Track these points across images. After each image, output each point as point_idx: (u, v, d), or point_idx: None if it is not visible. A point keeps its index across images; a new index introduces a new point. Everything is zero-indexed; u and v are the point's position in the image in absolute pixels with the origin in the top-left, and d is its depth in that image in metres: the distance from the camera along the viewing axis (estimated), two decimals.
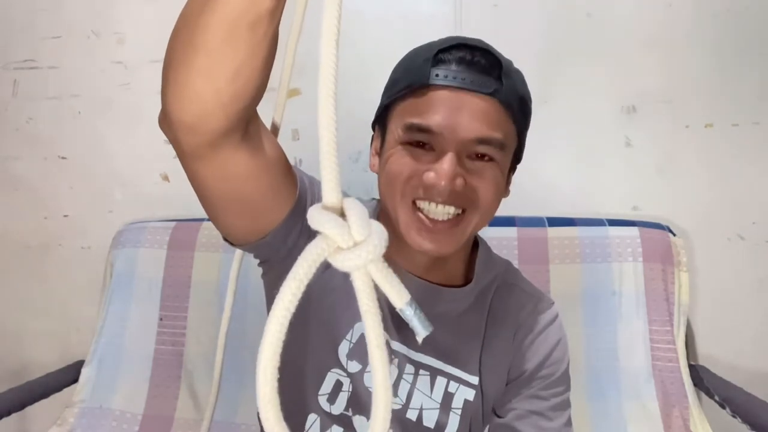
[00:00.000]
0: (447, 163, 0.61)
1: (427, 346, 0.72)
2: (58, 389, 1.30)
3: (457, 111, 0.62)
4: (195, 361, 1.33)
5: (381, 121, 0.71)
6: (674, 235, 1.34)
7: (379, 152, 0.71)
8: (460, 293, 0.74)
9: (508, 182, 0.73)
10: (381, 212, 0.74)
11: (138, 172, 1.54)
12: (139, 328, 1.36)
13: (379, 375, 0.36)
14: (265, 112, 1.63)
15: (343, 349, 0.70)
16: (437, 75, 0.63)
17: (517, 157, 0.73)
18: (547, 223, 1.35)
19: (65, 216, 1.57)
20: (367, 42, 1.42)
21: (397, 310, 0.37)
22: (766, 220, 1.40)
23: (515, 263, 1.28)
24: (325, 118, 0.35)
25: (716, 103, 1.39)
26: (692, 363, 1.32)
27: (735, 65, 1.38)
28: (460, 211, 0.64)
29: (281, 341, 0.33)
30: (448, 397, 0.71)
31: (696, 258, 1.40)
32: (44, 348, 1.59)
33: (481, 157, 0.64)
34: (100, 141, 1.54)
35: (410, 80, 0.64)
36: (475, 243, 0.80)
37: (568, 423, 0.74)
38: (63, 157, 1.55)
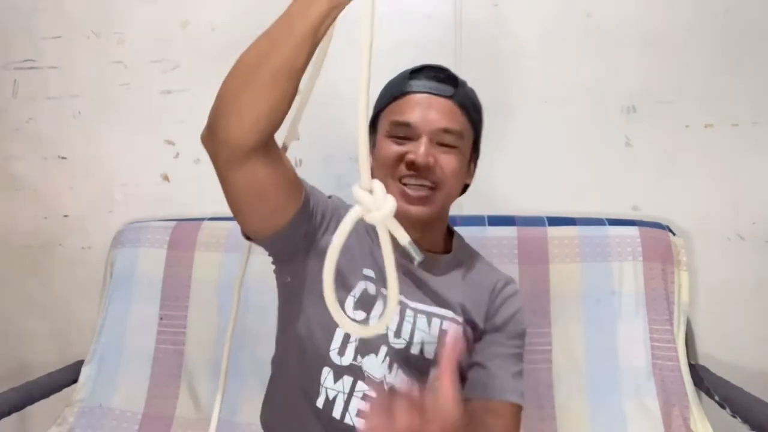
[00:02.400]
0: (423, 145, 0.84)
1: (422, 296, 0.91)
2: (58, 389, 1.30)
3: (427, 109, 0.86)
4: (195, 361, 1.32)
5: (372, 128, 0.93)
6: (674, 234, 1.34)
7: (372, 152, 0.92)
8: (444, 258, 0.96)
9: (470, 170, 0.97)
10: None
11: (138, 172, 1.54)
12: (139, 328, 1.35)
13: (391, 277, 0.61)
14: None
15: (349, 304, 0.86)
16: (411, 86, 0.88)
17: (476, 151, 0.96)
18: (547, 223, 1.35)
19: (65, 216, 1.57)
20: None
21: (402, 245, 0.61)
22: (766, 220, 1.40)
23: (515, 262, 1.29)
24: (361, 122, 0.56)
25: (716, 103, 1.39)
26: (692, 363, 1.32)
27: (735, 65, 1.38)
28: (432, 185, 0.86)
29: (340, 250, 0.58)
30: (442, 333, 0.88)
31: (696, 258, 1.40)
32: (44, 348, 1.59)
33: (446, 146, 0.86)
34: (100, 141, 1.54)
35: (393, 92, 0.89)
36: (451, 232, 1.03)
37: (521, 374, 0.93)
38: (63, 157, 1.55)
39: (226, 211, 1.47)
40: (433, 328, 0.88)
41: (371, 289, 0.88)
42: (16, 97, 1.55)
